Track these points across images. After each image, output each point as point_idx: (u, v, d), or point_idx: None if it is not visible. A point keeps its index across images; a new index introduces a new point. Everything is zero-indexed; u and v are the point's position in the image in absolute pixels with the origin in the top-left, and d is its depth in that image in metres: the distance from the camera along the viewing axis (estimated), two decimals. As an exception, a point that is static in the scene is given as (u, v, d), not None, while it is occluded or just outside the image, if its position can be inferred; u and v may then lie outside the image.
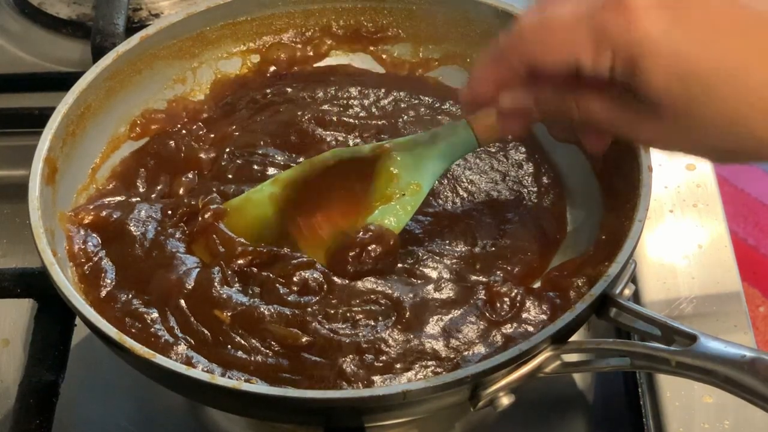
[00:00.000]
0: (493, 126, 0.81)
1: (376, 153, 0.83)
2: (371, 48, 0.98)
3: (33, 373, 0.80)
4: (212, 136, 0.92)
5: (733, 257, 0.90)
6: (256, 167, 0.88)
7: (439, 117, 0.92)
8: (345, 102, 0.94)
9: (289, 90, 0.95)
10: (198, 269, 0.79)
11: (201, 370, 0.72)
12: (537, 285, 0.80)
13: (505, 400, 0.70)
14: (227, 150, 0.89)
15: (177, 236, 0.82)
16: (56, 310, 0.83)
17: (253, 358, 0.74)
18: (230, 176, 0.88)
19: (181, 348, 0.75)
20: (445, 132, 0.83)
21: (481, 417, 0.82)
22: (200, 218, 0.82)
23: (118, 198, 0.86)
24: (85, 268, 0.80)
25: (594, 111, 0.70)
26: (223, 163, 0.89)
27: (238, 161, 0.89)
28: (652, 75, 0.64)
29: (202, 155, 0.90)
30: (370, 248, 0.79)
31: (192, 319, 0.76)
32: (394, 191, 0.82)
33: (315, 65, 0.98)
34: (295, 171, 0.85)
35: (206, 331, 0.76)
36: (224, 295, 0.77)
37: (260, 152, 0.89)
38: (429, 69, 0.97)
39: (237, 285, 0.78)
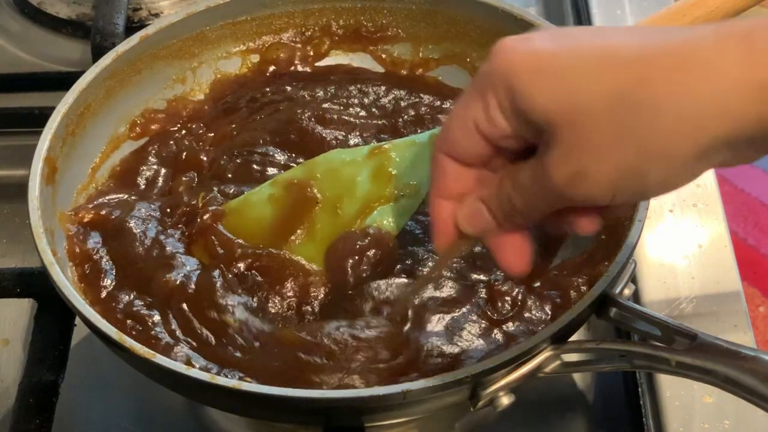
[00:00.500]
0: None
1: (375, 154, 0.83)
2: (371, 48, 0.98)
3: (33, 373, 0.80)
4: (212, 135, 0.92)
5: (732, 257, 0.90)
6: (255, 166, 0.88)
7: (440, 116, 0.92)
8: (345, 101, 0.94)
9: (288, 89, 0.95)
10: (199, 272, 0.80)
11: (201, 370, 0.72)
12: (538, 284, 0.80)
13: (505, 400, 0.70)
14: (227, 148, 0.89)
15: (177, 236, 0.82)
16: (56, 310, 0.83)
17: (256, 361, 0.74)
18: (230, 175, 0.88)
19: (183, 349, 0.75)
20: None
21: (481, 417, 0.82)
22: (199, 220, 0.82)
23: (118, 197, 0.86)
24: (85, 267, 0.80)
25: (522, 183, 0.63)
26: (222, 162, 0.89)
27: (237, 160, 0.89)
28: (531, 94, 0.58)
29: (202, 154, 0.90)
30: (369, 254, 0.79)
31: (195, 322, 0.76)
32: (393, 192, 0.82)
33: (315, 65, 0.98)
34: (293, 172, 0.84)
35: (209, 334, 0.76)
36: (228, 300, 0.77)
37: (260, 151, 0.89)
38: (429, 69, 0.97)
39: (239, 289, 0.78)
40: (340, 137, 0.90)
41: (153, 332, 0.76)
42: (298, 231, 0.82)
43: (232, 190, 0.86)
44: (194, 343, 0.75)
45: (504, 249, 0.67)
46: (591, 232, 0.65)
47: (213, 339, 0.75)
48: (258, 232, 0.82)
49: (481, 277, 0.80)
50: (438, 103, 0.93)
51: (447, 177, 0.66)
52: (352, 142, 0.90)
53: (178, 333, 0.76)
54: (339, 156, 0.84)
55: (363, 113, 0.93)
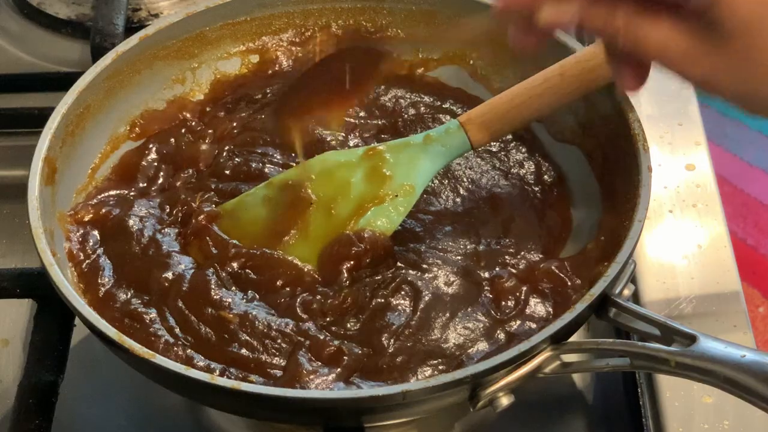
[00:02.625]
0: (486, 127, 0.81)
1: (369, 155, 0.83)
2: (371, 48, 0.98)
3: (32, 373, 0.80)
4: (211, 131, 0.92)
5: (732, 257, 0.90)
6: (254, 165, 0.88)
7: (440, 115, 0.92)
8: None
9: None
10: (193, 270, 0.80)
11: (201, 370, 0.72)
12: (541, 283, 0.80)
13: (505, 400, 0.70)
14: (226, 148, 0.90)
15: (174, 235, 0.83)
16: (56, 311, 0.83)
17: (255, 357, 0.74)
18: (228, 173, 0.88)
19: (182, 348, 0.75)
20: (438, 134, 0.83)
21: (481, 417, 0.82)
22: (194, 221, 0.82)
23: (118, 193, 0.86)
24: (84, 266, 0.81)
25: (647, 38, 0.65)
26: (221, 161, 0.89)
27: (236, 159, 0.89)
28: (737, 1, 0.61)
29: (201, 153, 0.90)
30: (363, 258, 0.80)
31: (192, 318, 0.77)
32: (387, 192, 0.82)
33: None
34: (289, 174, 0.85)
35: (208, 331, 0.76)
36: (223, 297, 0.77)
37: (259, 151, 0.89)
38: (428, 69, 0.96)
39: (233, 287, 0.79)
40: (340, 138, 0.90)
41: (151, 330, 0.76)
42: (292, 231, 0.82)
43: (230, 189, 0.86)
44: (192, 341, 0.75)
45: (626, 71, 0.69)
46: (634, 90, 0.71)
47: (213, 336, 0.76)
48: (253, 232, 0.82)
49: (485, 275, 0.80)
50: (438, 103, 0.93)
51: None
52: (352, 143, 0.90)
53: (177, 330, 0.76)
54: (334, 157, 0.84)
55: (363, 113, 0.93)
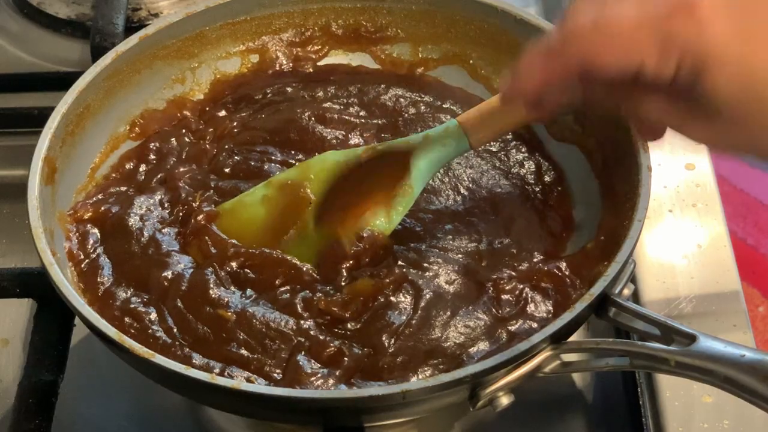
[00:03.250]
0: (485, 127, 0.81)
1: (369, 155, 0.83)
2: (371, 48, 0.97)
3: (32, 373, 0.80)
4: (211, 131, 0.92)
5: (732, 257, 0.90)
6: (253, 163, 0.88)
7: (440, 115, 0.92)
8: (345, 100, 0.94)
9: (288, 89, 0.95)
10: (192, 270, 0.80)
11: (200, 370, 0.72)
12: (542, 283, 0.80)
13: (505, 400, 0.70)
14: (226, 146, 0.90)
15: (172, 234, 0.83)
16: (56, 310, 0.83)
17: (254, 358, 0.74)
18: (227, 171, 0.88)
19: (180, 348, 0.75)
20: (437, 134, 0.83)
21: (481, 417, 0.82)
22: (193, 221, 0.82)
23: (118, 190, 0.86)
24: (83, 265, 0.81)
25: (645, 110, 0.70)
26: (221, 159, 0.89)
27: (236, 157, 0.89)
28: (718, 83, 0.64)
29: (201, 152, 0.90)
30: (363, 257, 0.80)
31: (190, 318, 0.77)
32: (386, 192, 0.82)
33: (314, 65, 0.97)
34: (287, 174, 0.85)
35: (206, 330, 0.76)
36: (222, 296, 0.77)
37: (259, 149, 0.89)
38: (428, 69, 0.96)
39: (232, 287, 0.79)
40: (340, 137, 0.90)
41: (150, 330, 0.76)
42: (291, 231, 0.82)
43: (229, 187, 0.86)
44: (191, 341, 0.76)
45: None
46: (654, 140, 0.76)
47: (211, 335, 0.76)
48: (252, 232, 0.83)
49: (487, 275, 0.80)
50: (438, 102, 0.93)
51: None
52: (352, 142, 0.90)
53: (175, 331, 0.76)
54: (333, 157, 0.84)
55: (363, 113, 0.93)
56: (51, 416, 0.79)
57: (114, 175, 0.88)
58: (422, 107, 0.93)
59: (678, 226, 0.92)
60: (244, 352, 0.75)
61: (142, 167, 0.89)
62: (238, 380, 0.72)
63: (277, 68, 0.97)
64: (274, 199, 0.83)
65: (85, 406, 0.85)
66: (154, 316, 0.77)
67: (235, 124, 0.92)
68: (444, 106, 0.93)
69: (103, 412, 0.85)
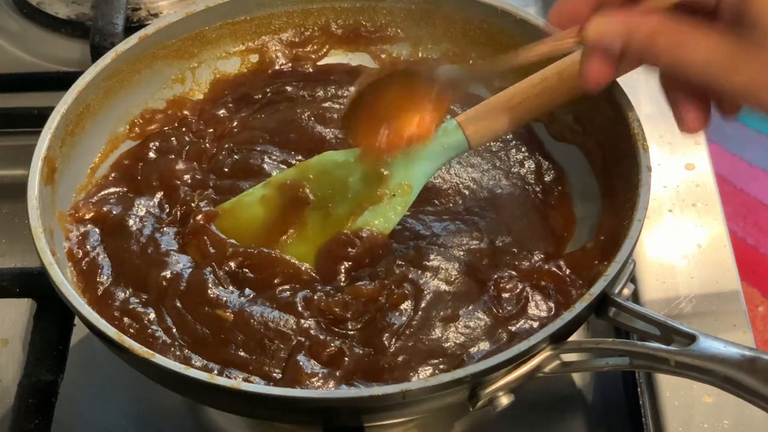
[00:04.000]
0: (484, 127, 0.81)
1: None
2: (370, 47, 0.97)
3: (32, 373, 0.80)
4: (211, 130, 0.92)
5: (732, 257, 0.90)
6: (252, 162, 0.88)
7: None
8: (345, 100, 0.93)
9: (288, 89, 0.95)
10: (191, 269, 0.80)
11: (199, 370, 0.72)
12: (543, 282, 0.80)
13: (505, 400, 0.70)
14: (226, 146, 0.90)
15: (172, 234, 0.83)
16: (55, 310, 0.83)
17: (254, 359, 0.74)
18: (226, 170, 0.88)
19: (179, 348, 0.75)
20: (436, 134, 0.83)
21: (481, 417, 0.82)
22: (191, 220, 0.82)
23: (118, 190, 0.86)
24: (83, 265, 0.81)
25: (689, 51, 0.67)
26: (220, 158, 0.89)
27: (235, 156, 0.89)
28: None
29: (201, 152, 0.90)
30: (361, 258, 0.80)
31: (189, 318, 0.77)
32: (385, 192, 0.82)
33: (314, 64, 0.97)
34: (286, 174, 0.85)
35: (205, 330, 0.76)
36: (220, 296, 0.77)
37: (258, 149, 0.89)
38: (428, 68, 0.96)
39: (231, 286, 0.79)
40: (340, 136, 0.90)
41: (149, 330, 0.76)
42: (290, 231, 0.82)
43: (228, 186, 0.86)
44: (190, 341, 0.76)
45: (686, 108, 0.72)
46: (695, 132, 0.73)
47: (210, 336, 0.76)
48: (251, 232, 0.83)
49: (488, 274, 0.80)
50: None
51: None
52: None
53: (174, 331, 0.76)
54: (331, 157, 0.84)
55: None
56: (51, 416, 0.78)
57: (113, 174, 0.88)
58: None
59: (678, 226, 0.92)
60: (242, 353, 0.75)
61: (141, 166, 0.89)
62: (238, 380, 0.72)
63: (277, 68, 0.97)
64: (273, 199, 0.83)
65: (85, 406, 0.85)
66: (153, 316, 0.77)
67: (235, 123, 0.92)
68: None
69: (103, 412, 0.85)
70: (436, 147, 0.83)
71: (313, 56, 0.97)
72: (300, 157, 0.88)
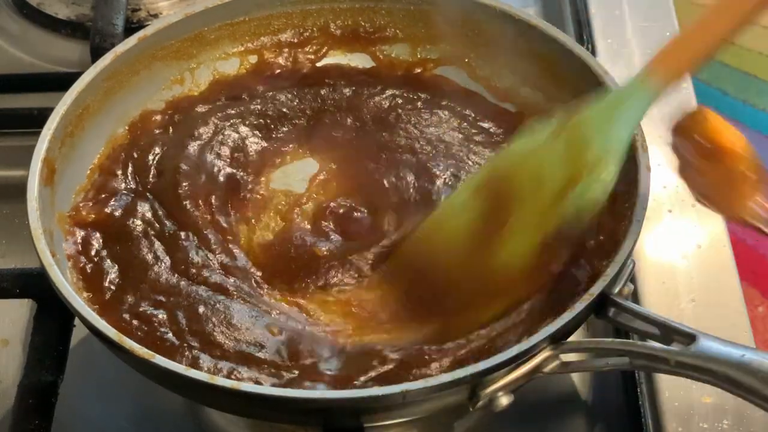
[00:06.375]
0: (674, 63, 0.76)
1: (562, 132, 0.77)
2: (369, 48, 0.97)
3: (32, 374, 0.80)
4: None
5: (732, 257, 0.90)
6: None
7: (438, 111, 0.92)
8: (343, 102, 0.94)
9: (287, 89, 0.94)
10: (201, 267, 0.80)
11: (205, 371, 0.72)
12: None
13: (504, 400, 0.70)
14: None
15: (173, 235, 0.82)
16: (55, 311, 0.83)
17: (266, 358, 0.75)
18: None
19: (188, 349, 0.75)
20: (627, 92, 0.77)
21: (481, 417, 0.82)
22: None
23: (118, 192, 0.86)
24: (82, 265, 0.80)
25: None
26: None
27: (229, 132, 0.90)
28: None
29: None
30: None
31: (202, 320, 0.76)
32: (584, 167, 0.75)
33: (313, 65, 0.97)
34: (481, 175, 0.80)
35: (217, 334, 0.76)
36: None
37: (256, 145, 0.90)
38: (427, 69, 0.96)
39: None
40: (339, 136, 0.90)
41: (158, 333, 0.76)
42: (501, 232, 0.77)
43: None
44: (201, 344, 0.75)
45: None
46: None
47: (220, 339, 0.76)
48: (459, 244, 0.79)
49: None
50: (437, 99, 0.93)
51: None
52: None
53: (187, 335, 0.76)
54: (523, 146, 0.79)
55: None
56: (51, 417, 0.79)
57: (113, 175, 0.88)
58: (419, 104, 0.93)
59: (677, 227, 0.92)
60: (257, 353, 0.75)
61: (141, 167, 0.89)
62: (237, 380, 0.72)
63: (276, 69, 0.97)
64: (473, 204, 0.79)
65: (85, 406, 0.85)
66: (162, 318, 0.77)
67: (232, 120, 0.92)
68: (442, 102, 0.93)
69: (103, 413, 0.85)
70: (627, 105, 0.77)
71: (312, 57, 0.97)
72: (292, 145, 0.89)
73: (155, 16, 1.13)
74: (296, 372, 0.74)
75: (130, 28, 1.07)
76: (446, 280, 0.79)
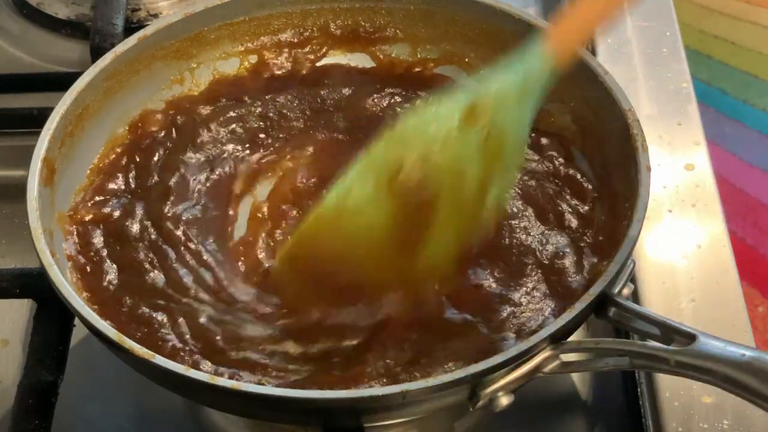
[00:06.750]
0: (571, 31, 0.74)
1: (472, 118, 0.71)
2: (369, 48, 0.97)
3: (32, 374, 0.80)
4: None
5: (732, 257, 0.90)
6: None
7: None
8: (342, 102, 0.94)
9: (287, 89, 0.94)
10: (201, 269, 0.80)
11: (206, 372, 0.72)
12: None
13: (504, 400, 0.70)
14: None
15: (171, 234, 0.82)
16: (55, 311, 0.83)
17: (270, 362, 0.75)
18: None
19: (189, 353, 0.75)
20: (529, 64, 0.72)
21: (480, 417, 0.82)
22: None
23: (118, 193, 0.86)
24: (82, 265, 0.81)
25: None
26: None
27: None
28: None
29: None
30: None
31: (204, 323, 0.76)
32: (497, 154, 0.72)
33: (313, 65, 0.97)
34: (378, 160, 0.71)
35: (219, 336, 0.76)
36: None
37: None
38: (426, 69, 0.96)
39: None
40: (340, 136, 0.90)
41: (159, 334, 0.76)
42: (420, 233, 0.71)
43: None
44: (202, 347, 0.75)
45: None
46: None
47: (222, 341, 0.75)
48: (372, 249, 0.72)
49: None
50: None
51: None
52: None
53: (187, 337, 0.76)
54: (434, 133, 0.71)
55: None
56: (51, 417, 0.78)
57: (113, 175, 0.88)
58: (418, 102, 0.93)
59: (678, 227, 0.92)
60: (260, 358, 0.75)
61: (141, 168, 0.89)
62: (237, 381, 0.72)
63: (276, 69, 0.97)
64: (385, 202, 0.71)
65: (85, 406, 0.85)
66: (163, 319, 0.77)
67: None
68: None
69: (103, 413, 0.85)
70: (531, 89, 0.73)
71: (312, 57, 0.97)
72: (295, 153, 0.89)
73: (155, 16, 1.13)
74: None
75: (130, 28, 1.07)
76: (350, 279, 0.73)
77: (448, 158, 0.70)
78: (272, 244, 0.84)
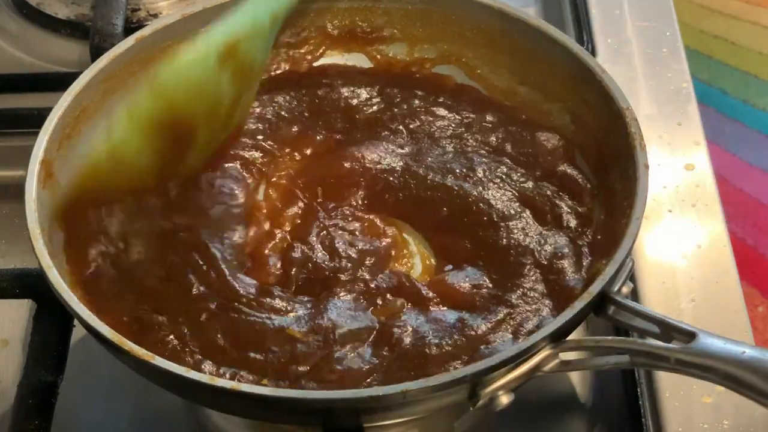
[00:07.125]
0: None
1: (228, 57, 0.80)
2: (366, 48, 0.97)
3: (32, 374, 0.80)
4: None
5: (732, 257, 0.90)
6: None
7: (434, 108, 0.92)
8: (340, 103, 0.94)
9: (284, 89, 0.94)
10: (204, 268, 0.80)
11: (208, 373, 0.72)
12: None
13: (504, 399, 0.70)
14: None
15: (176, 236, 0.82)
16: (55, 311, 0.83)
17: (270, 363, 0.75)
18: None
19: (190, 354, 0.75)
20: None
21: (480, 417, 0.82)
22: None
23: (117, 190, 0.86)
24: (85, 267, 0.80)
25: None
26: None
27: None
28: None
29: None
30: None
31: (205, 325, 0.76)
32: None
33: (310, 65, 0.97)
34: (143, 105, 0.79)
35: (220, 337, 0.76)
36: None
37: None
38: (424, 68, 0.96)
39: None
40: (338, 136, 0.90)
41: (159, 335, 0.76)
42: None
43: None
44: (202, 347, 0.75)
45: None
46: None
47: (222, 342, 0.75)
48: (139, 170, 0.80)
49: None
50: (432, 97, 0.93)
51: None
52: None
53: (188, 338, 0.76)
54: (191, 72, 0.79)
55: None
56: (50, 417, 0.78)
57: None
58: (415, 102, 0.93)
59: (677, 226, 0.92)
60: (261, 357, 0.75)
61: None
62: (237, 381, 0.72)
63: (273, 69, 0.96)
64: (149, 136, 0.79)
65: (85, 407, 0.85)
66: (163, 321, 0.77)
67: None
68: (439, 100, 0.93)
69: (103, 413, 0.85)
70: (269, 19, 0.82)
71: (309, 57, 0.97)
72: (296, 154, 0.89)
73: (155, 16, 1.13)
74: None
75: (130, 28, 1.07)
76: None
77: (207, 97, 0.79)
78: (271, 242, 0.84)
